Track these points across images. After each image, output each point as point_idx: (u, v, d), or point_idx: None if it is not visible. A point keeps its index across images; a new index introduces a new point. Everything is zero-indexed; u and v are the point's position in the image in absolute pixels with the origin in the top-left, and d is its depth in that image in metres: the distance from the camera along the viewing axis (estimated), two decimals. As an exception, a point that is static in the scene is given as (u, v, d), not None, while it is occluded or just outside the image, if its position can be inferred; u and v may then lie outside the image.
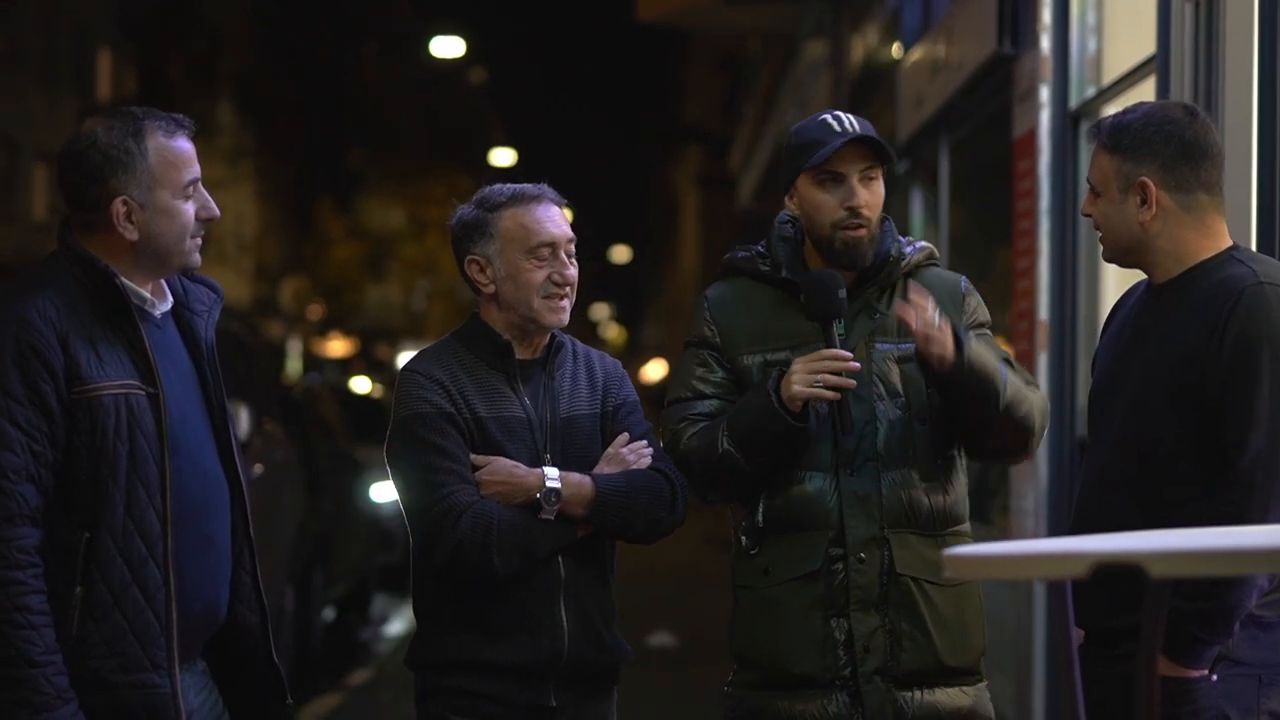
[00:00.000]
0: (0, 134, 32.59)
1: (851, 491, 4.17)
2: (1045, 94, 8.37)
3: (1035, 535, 8.28)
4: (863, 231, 4.18)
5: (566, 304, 4.17)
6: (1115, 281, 7.84)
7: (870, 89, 15.11)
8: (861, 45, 16.09)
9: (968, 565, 2.83)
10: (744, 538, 4.25)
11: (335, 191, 47.68)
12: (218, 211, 3.84)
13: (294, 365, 34.71)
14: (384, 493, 15.84)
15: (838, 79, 17.25)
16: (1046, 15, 8.32)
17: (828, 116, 4.22)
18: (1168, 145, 3.86)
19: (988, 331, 4.33)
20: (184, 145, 3.78)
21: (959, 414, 4.17)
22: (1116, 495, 3.89)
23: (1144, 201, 3.88)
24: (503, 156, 53.63)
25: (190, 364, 3.86)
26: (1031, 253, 8.53)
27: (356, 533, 14.10)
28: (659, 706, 9.91)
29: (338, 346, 46.27)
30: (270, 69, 42.62)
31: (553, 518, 4.07)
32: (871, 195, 4.19)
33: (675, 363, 4.56)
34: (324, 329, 45.94)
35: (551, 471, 4.10)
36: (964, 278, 4.38)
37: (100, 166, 3.71)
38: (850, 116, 4.22)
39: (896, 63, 12.94)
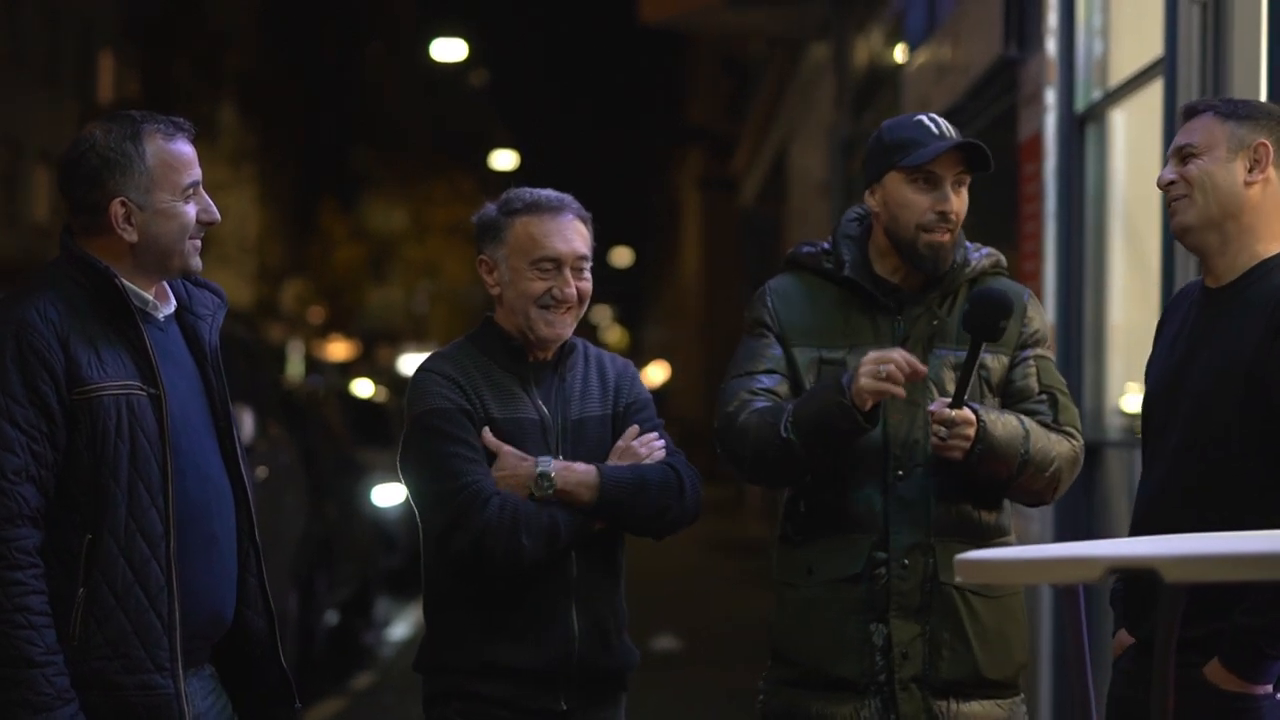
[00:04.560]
0: (2, 135, 32.60)
1: (899, 497, 4.16)
2: (1051, 97, 8.35)
3: (1042, 541, 8.25)
4: (948, 236, 4.22)
5: (567, 318, 4.15)
6: (1122, 286, 7.83)
7: (874, 92, 15.08)
8: (866, 48, 16.07)
9: (982, 570, 2.81)
10: (789, 525, 4.25)
11: (338, 193, 47.64)
12: (218, 215, 3.84)
13: (295, 368, 34.67)
14: (386, 496, 15.85)
15: (842, 81, 17.23)
16: (1052, 18, 8.30)
17: (923, 118, 4.27)
18: None
19: (1045, 354, 4.33)
20: (183, 148, 3.79)
21: (973, 478, 4.18)
22: (1179, 504, 3.81)
23: (1255, 165, 3.83)
24: (505, 159, 53.66)
25: (194, 367, 3.86)
26: (1037, 256, 8.52)
27: (359, 536, 14.11)
28: (660, 709, 9.89)
29: (339, 349, 46.24)
30: (273, 71, 42.61)
31: (548, 495, 4.04)
32: (961, 202, 4.24)
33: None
34: (325, 331, 45.90)
35: (546, 459, 4.08)
36: (1028, 291, 4.38)
37: (98, 169, 3.72)
38: (944, 121, 4.26)
39: (901, 66, 12.92)
